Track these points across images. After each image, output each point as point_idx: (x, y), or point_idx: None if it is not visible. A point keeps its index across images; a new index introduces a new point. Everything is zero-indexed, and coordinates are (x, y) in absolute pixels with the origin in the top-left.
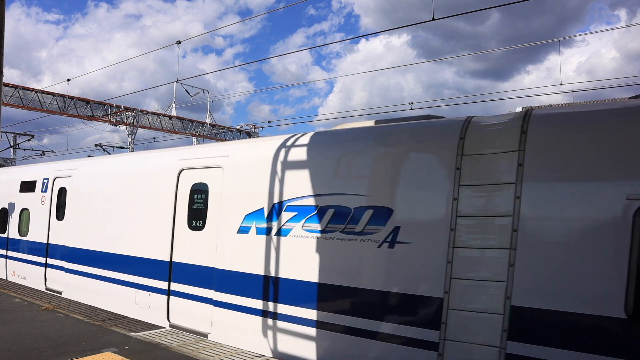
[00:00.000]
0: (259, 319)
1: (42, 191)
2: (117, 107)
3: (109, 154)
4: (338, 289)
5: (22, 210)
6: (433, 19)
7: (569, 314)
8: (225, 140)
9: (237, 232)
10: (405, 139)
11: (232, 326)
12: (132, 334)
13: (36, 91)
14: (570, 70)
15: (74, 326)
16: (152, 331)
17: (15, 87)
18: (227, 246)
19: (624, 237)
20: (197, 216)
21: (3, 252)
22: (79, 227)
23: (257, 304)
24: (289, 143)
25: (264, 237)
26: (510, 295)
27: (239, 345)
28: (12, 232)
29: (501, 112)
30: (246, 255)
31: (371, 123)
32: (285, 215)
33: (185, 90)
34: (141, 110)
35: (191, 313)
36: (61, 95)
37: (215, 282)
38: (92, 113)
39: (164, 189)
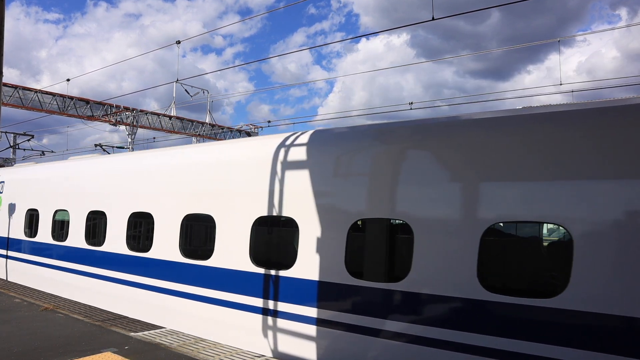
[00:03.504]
0: None
1: None
2: (117, 107)
3: (108, 153)
4: None
5: None
6: (433, 19)
7: None
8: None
9: None
10: None
11: None
12: (132, 334)
13: (36, 91)
14: (571, 70)
15: (74, 326)
16: (152, 331)
17: (15, 87)
18: None
19: None
20: None
21: None
22: None
23: None
24: None
25: None
26: None
27: None
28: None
29: None
30: None
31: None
32: None
33: (185, 90)
34: (141, 110)
35: None
36: (61, 95)
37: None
38: (91, 113)
39: None
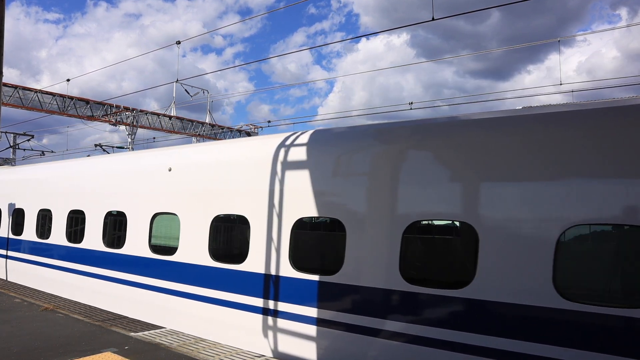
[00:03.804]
0: None
1: None
2: (117, 107)
3: (108, 153)
4: None
5: None
6: (433, 19)
7: None
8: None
9: None
10: None
11: None
12: (132, 334)
13: (36, 91)
14: (571, 70)
15: (74, 326)
16: (151, 331)
17: (15, 87)
18: None
19: None
20: None
21: None
22: None
23: None
24: None
25: None
26: None
27: None
28: None
29: None
30: None
31: None
32: None
33: (185, 90)
34: (141, 110)
35: None
36: (61, 95)
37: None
38: (91, 113)
39: None
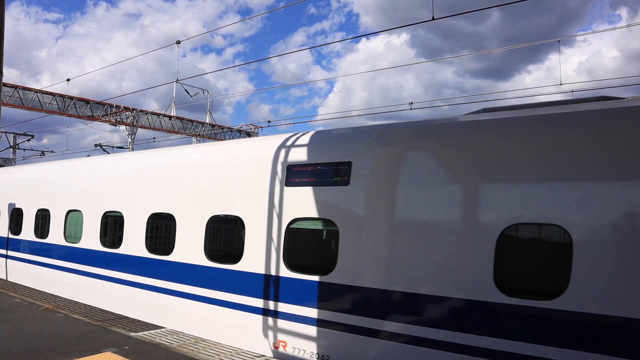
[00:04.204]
0: None
1: None
2: (117, 107)
3: (108, 153)
4: None
5: None
6: (433, 19)
7: None
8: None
9: None
10: None
11: None
12: (132, 334)
13: (36, 91)
14: (571, 70)
15: (74, 326)
16: (152, 331)
17: (15, 87)
18: None
19: None
20: None
21: None
22: None
23: None
24: None
25: None
26: None
27: None
28: None
29: None
30: None
31: None
32: None
33: (185, 90)
34: (141, 110)
35: None
36: (61, 95)
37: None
38: (91, 113)
39: None
